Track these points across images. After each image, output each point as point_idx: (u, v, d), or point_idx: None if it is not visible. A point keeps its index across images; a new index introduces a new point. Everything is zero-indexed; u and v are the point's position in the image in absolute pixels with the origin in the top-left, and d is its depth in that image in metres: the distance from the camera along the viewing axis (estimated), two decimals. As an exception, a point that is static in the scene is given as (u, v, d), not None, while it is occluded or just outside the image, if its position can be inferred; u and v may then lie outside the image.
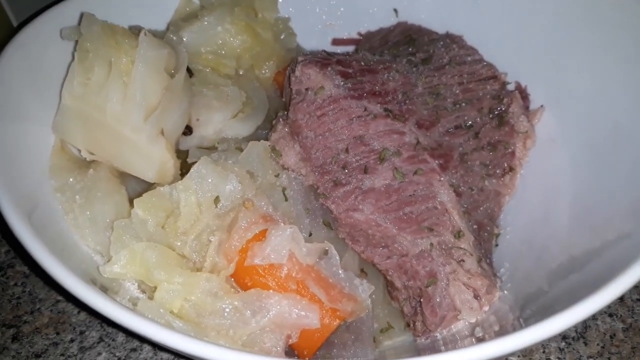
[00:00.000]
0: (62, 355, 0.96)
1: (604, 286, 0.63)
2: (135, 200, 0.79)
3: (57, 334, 0.99)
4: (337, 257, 0.81)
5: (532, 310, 0.78)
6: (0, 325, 1.00)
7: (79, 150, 0.93)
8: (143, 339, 0.98)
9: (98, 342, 0.98)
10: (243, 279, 0.79)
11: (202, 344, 0.59)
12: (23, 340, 0.98)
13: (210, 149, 0.95)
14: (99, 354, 0.96)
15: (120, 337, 0.98)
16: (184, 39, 1.03)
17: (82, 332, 0.99)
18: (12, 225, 0.71)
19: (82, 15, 0.90)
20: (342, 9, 1.24)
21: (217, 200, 0.81)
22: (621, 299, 1.00)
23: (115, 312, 0.63)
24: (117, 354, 0.96)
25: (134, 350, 0.96)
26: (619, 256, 0.69)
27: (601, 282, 0.64)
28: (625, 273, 0.63)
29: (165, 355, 0.95)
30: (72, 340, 0.98)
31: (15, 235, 0.71)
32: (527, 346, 0.61)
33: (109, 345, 0.97)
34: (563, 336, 0.96)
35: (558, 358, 0.93)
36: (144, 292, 0.80)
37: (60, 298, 1.04)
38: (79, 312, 1.02)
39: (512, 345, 0.60)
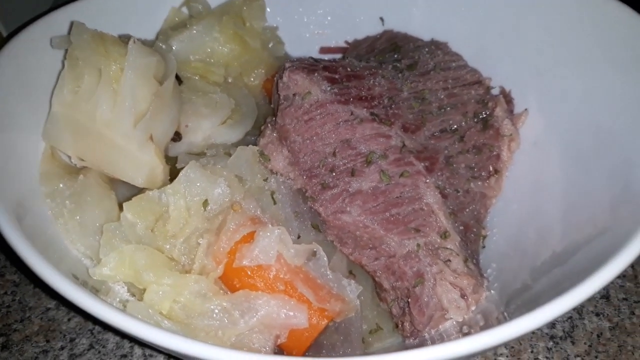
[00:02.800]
0: (53, 362, 0.96)
1: (586, 279, 0.64)
2: (124, 204, 0.80)
3: (47, 341, 0.99)
4: (325, 258, 0.82)
5: (517, 305, 0.79)
6: (-10, 334, 1.01)
7: (69, 157, 0.94)
8: (134, 341, 0.99)
9: (88, 349, 0.98)
10: (232, 280, 0.80)
11: (192, 343, 0.60)
12: (13, 348, 0.98)
13: (200, 155, 0.96)
14: (89, 360, 0.96)
15: (111, 343, 0.98)
16: (173, 48, 1.05)
17: (72, 340, 0.99)
18: (2, 229, 0.72)
19: (72, 24, 0.92)
20: (329, 18, 1.26)
21: (205, 203, 0.82)
22: (607, 298, 1.02)
23: (106, 313, 0.63)
24: (107, 361, 0.96)
25: (124, 356, 0.97)
26: (601, 250, 0.71)
27: (584, 275, 0.65)
28: (607, 266, 0.64)
29: (155, 360, 0.96)
30: (62, 348, 0.98)
31: (6, 239, 0.71)
32: (512, 338, 0.62)
33: (99, 352, 0.97)
34: (551, 336, 0.97)
35: (546, 357, 0.94)
36: (133, 295, 0.80)
37: (50, 306, 1.05)
38: (69, 320, 1.02)
39: (497, 338, 0.61)
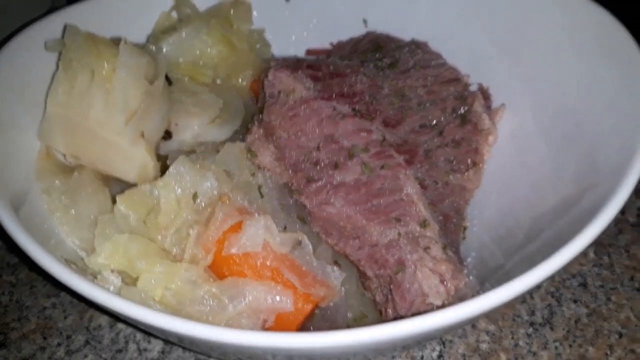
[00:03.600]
0: (50, 358, 0.98)
1: (554, 254, 0.67)
2: (117, 196, 0.83)
3: (44, 339, 1.01)
4: (310, 247, 0.85)
5: (491, 283, 0.83)
6: (-12, 333, 1.03)
7: (64, 156, 0.97)
8: (132, 327, 1.01)
9: (84, 345, 1.00)
10: (221, 268, 0.83)
11: (191, 323, 0.62)
12: (11, 346, 1.01)
13: (189, 152, 1.00)
14: (86, 356, 0.98)
15: (106, 339, 1.01)
16: (163, 50, 1.08)
17: (68, 337, 1.02)
18: (2, 221, 0.75)
19: (65, 27, 0.95)
20: (315, 20, 1.30)
21: (195, 196, 0.85)
22: (585, 285, 1.05)
23: (103, 296, 0.66)
24: (103, 356, 0.98)
25: (119, 351, 0.99)
26: (568, 229, 0.74)
27: (552, 251, 0.69)
28: (572, 243, 0.68)
29: (150, 354, 0.98)
30: (58, 345, 1.00)
31: (6, 230, 0.74)
32: (484, 311, 0.64)
33: (94, 347, 1.00)
34: (530, 322, 1.00)
35: (526, 342, 0.97)
36: (127, 284, 0.83)
37: (47, 305, 1.07)
38: (65, 318, 1.05)
39: (470, 309, 0.63)
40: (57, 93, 0.93)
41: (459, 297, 0.88)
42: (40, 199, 0.90)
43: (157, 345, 1.00)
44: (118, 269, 0.80)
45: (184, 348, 0.98)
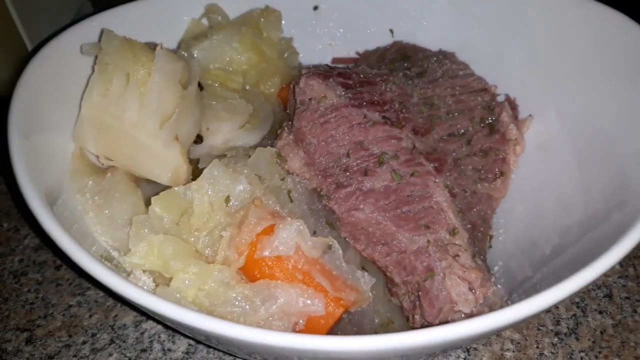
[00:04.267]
0: (75, 356, 0.99)
1: (583, 269, 0.68)
2: (153, 198, 0.84)
3: (70, 336, 1.02)
4: (340, 252, 0.86)
5: (519, 294, 0.83)
6: (15, 329, 1.04)
7: (97, 157, 0.98)
8: (160, 324, 1.02)
9: (109, 344, 1.01)
10: (253, 271, 0.84)
11: (228, 324, 0.63)
12: (36, 342, 1.02)
13: (220, 157, 1.01)
14: (110, 354, 0.99)
15: (131, 338, 1.02)
16: (195, 56, 1.10)
17: (93, 335, 1.03)
18: (39, 219, 0.76)
19: (102, 31, 0.97)
20: (341, 30, 1.31)
21: (227, 199, 0.87)
22: (610, 297, 1.05)
23: (141, 295, 0.67)
24: (127, 355, 0.99)
25: (143, 350, 1.00)
26: (598, 245, 0.74)
27: (581, 266, 0.69)
28: (601, 258, 0.68)
29: (174, 354, 0.99)
30: (84, 343, 1.01)
31: (42, 226, 0.75)
32: (513, 322, 0.65)
33: (119, 346, 1.01)
34: (556, 332, 1.00)
35: (551, 352, 0.98)
36: (158, 285, 0.84)
37: (72, 303, 1.08)
38: (90, 316, 1.06)
39: (498, 320, 0.64)
40: (92, 96, 0.94)
41: (487, 305, 0.88)
42: (74, 199, 0.91)
43: (181, 346, 1.00)
44: (152, 269, 0.81)
45: (209, 347, 0.99)
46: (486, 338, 0.99)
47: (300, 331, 0.80)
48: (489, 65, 1.15)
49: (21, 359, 1.00)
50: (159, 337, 1.02)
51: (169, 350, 1.00)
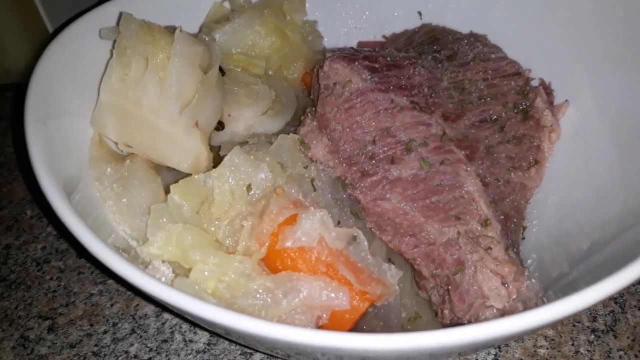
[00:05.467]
0: (96, 345, 0.99)
1: (624, 267, 0.63)
2: (172, 186, 0.82)
3: (91, 325, 1.02)
4: (365, 243, 0.83)
5: (555, 292, 0.79)
6: (37, 317, 1.03)
7: (116, 144, 0.97)
8: (178, 317, 1.00)
9: (130, 334, 1.00)
10: (274, 262, 0.81)
11: (247, 318, 0.61)
12: (58, 331, 1.01)
13: (242, 144, 0.98)
14: (131, 344, 0.98)
15: (152, 328, 1.00)
16: (216, 40, 1.07)
17: (114, 324, 1.02)
18: (55, 207, 0.75)
19: (120, 14, 0.95)
20: (367, 12, 1.27)
21: (249, 187, 0.84)
22: (650, 292, 1.00)
23: (156, 287, 0.65)
24: (148, 345, 0.98)
25: (164, 341, 0.98)
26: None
27: (622, 264, 0.65)
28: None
29: (195, 346, 0.97)
30: (105, 332, 1.01)
31: (59, 216, 0.74)
32: (549, 323, 0.61)
33: (140, 336, 0.99)
34: (592, 329, 0.96)
35: (587, 350, 0.93)
36: (178, 275, 0.82)
37: (94, 292, 1.08)
38: (112, 305, 1.05)
39: (534, 321, 0.60)
40: (110, 80, 0.92)
41: (521, 301, 0.84)
42: (92, 186, 0.90)
43: (202, 337, 0.99)
44: (170, 259, 0.79)
45: (230, 341, 0.97)
46: (520, 337, 0.94)
47: (323, 326, 0.77)
48: (522, 48, 1.10)
49: (43, 347, 0.99)
50: (181, 327, 1.00)
51: (190, 341, 0.98)
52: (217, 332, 0.89)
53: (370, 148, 0.91)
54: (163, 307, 1.03)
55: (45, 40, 0.99)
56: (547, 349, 0.94)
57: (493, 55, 1.05)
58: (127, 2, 1.06)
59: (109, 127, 0.94)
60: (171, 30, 0.94)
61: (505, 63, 1.04)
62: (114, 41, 0.95)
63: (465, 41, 1.07)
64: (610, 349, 0.93)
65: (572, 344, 0.94)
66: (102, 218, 0.87)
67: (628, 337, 0.94)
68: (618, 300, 1.00)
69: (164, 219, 0.80)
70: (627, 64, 0.96)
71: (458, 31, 1.15)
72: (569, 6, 1.06)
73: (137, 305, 1.04)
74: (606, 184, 0.93)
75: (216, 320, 0.62)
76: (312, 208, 0.82)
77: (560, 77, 1.07)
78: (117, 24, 0.98)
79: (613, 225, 0.86)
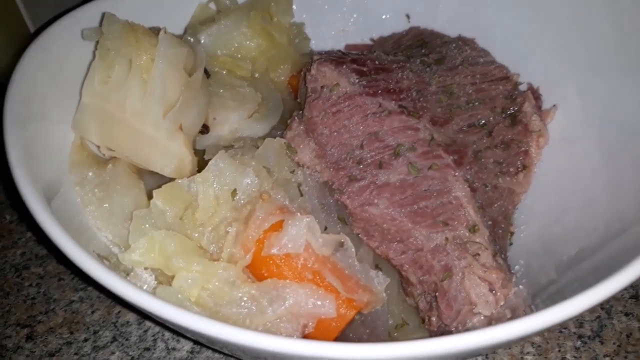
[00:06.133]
0: (76, 354, 0.96)
1: (613, 274, 0.63)
2: (154, 191, 0.80)
3: (71, 333, 1.00)
4: (353, 249, 0.81)
5: (543, 299, 0.79)
6: (15, 325, 1.01)
7: (98, 147, 0.95)
8: (161, 326, 0.99)
9: (111, 342, 0.98)
10: (260, 269, 0.79)
11: (229, 327, 0.60)
12: (37, 339, 0.99)
13: (227, 147, 0.97)
14: (112, 353, 0.96)
15: (134, 336, 0.98)
16: (202, 42, 1.05)
17: (95, 332, 0.99)
18: (33, 213, 0.73)
19: (103, 15, 0.93)
20: (355, 15, 1.26)
21: (234, 193, 0.82)
22: (636, 298, 1.00)
23: (137, 296, 0.63)
24: (130, 353, 0.96)
25: (147, 349, 0.97)
26: (629, 246, 0.70)
27: (611, 271, 0.64)
28: (635, 262, 0.63)
29: (178, 354, 0.96)
30: (85, 340, 0.98)
31: (38, 222, 0.72)
32: (537, 331, 0.61)
33: (122, 344, 0.97)
34: (579, 335, 0.95)
35: (574, 357, 0.93)
36: (161, 283, 0.80)
37: (74, 298, 1.05)
38: (92, 312, 1.03)
39: (522, 329, 0.59)
40: (93, 83, 0.90)
41: (509, 307, 0.83)
42: (73, 191, 0.88)
43: (186, 345, 0.97)
44: (153, 266, 0.77)
45: (214, 350, 0.95)
46: (508, 346, 0.94)
47: (309, 334, 0.76)
48: (511, 52, 1.09)
49: (21, 356, 0.97)
50: (163, 335, 0.99)
51: (173, 349, 0.97)
52: (200, 342, 0.87)
53: (357, 152, 0.90)
54: (146, 315, 1.01)
55: (26, 40, 0.97)
56: (534, 355, 0.93)
57: (481, 59, 1.04)
58: (110, 3, 1.04)
59: (91, 130, 0.92)
60: (155, 31, 0.92)
61: (493, 67, 1.04)
62: (97, 42, 0.93)
63: (454, 45, 1.07)
64: (597, 354, 0.93)
65: (559, 350, 0.94)
66: (83, 224, 0.85)
67: (614, 343, 0.94)
68: (604, 306, 0.99)
69: (147, 225, 0.78)
70: (614, 69, 0.96)
71: (446, 35, 1.15)
72: (557, 11, 1.06)
73: (119, 312, 1.02)
74: (594, 189, 0.93)
75: (199, 329, 0.61)
76: (298, 214, 0.81)
77: (549, 81, 1.07)
78: (100, 24, 0.96)
79: (601, 230, 0.86)
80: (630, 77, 0.93)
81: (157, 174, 0.92)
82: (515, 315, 0.81)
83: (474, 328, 0.83)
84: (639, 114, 0.90)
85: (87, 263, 0.66)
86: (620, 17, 0.96)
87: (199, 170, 0.86)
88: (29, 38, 0.99)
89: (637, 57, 0.93)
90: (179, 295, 0.72)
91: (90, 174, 0.89)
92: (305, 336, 0.77)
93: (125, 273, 0.78)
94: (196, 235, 0.80)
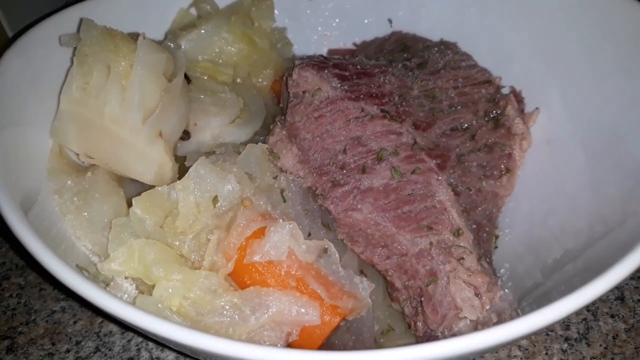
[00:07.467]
0: (58, 366, 0.95)
1: (599, 276, 0.63)
2: (133, 199, 0.79)
3: (53, 344, 0.98)
4: (337, 255, 0.81)
5: (529, 303, 0.78)
6: (-5, 337, 0.99)
7: (77, 155, 0.93)
8: (144, 337, 0.97)
9: (94, 352, 0.96)
10: (242, 277, 0.78)
11: (209, 337, 0.58)
12: (18, 351, 0.97)
13: (209, 154, 0.95)
14: (95, 363, 0.95)
15: (117, 346, 0.97)
16: (182, 47, 1.05)
17: (78, 342, 0.98)
18: (10, 223, 0.71)
19: (81, 20, 0.91)
20: (337, 20, 1.26)
21: (215, 200, 0.81)
22: (622, 299, 1.00)
23: (116, 307, 0.62)
24: (113, 364, 0.94)
25: (130, 359, 0.95)
26: (614, 248, 0.70)
27: (596, 273, 0.64)
28: (619, 264, 0.63)
29: (162, 363, 0.94)
30: (68, 351, 0.97)
31: (14, 233, 0.70)
32: (524, 335, 0.60)
33: (105, 355, 0.96)
34: (565, 337, 0.95)
35: (561, 359, 0.92)
36: (141, 292, 0.79)
37: (56, 309, 1.03)
38: (74, 323, 1.01)
39: (509, 334, 0.59)
40: (71, 89, 0.89)
41: (494, 311, 0.83)
42: (52, 200, 0.86)
43: (170, 355, 0.95)
44: (133, 276, 0.76)
45: (198, 360, 0.94)
46: (494, 350, 0.93)
47: (293, 342, 0.75)
48: (493, 56, 1.10)
49: (1, 369, 0.95)
50: (147, 344, 0.97)
51: (157, 358, 0.95)
52: (183, 352, 0.86)
53: (340, 157, 0.90)
54: (127, 326, 0.99)
55: (3, 45, 0.95)
56: (521, 358, 0.93)
57: (463, 63, 1.04)
58: (88, 8, 1.03)
59: (69, 137, 0.91)
60: (134, 37, 0.91)
61: (475, 71, 1.04)
62: (75, 48, 0.92)
63: (436, 49, 1.07)
64: (584, 356, 0.93)
65: (546, 353, 0.93)
66: (62, 233, 0.83)
67: (601, 345, 0.94)
68: (590, 308, 0.99)
69: (126, 234, 0.77)
70: (597, 72, 0.97)
71: (428, 39, 1.15)
72: (539, 14, 1.06)
73: (102, 322, 1.01)
74: (577, 191, 0.93)
75: (180, 340, 0.60)
76: (281, 220, 0.80)
77: (531, 85, 1.07)
78: (78, 30, 0.95)
79: (585, 233, 0.86)
80: (612, 79, 0.94)
81: (137, 181, 0.91)
82: (501, 319, 0.81)
83: (460, 333, 0.82)
84: (621, 116, 0.90)
85: (65, 274, 0.65)
86: (602, 21, 0.96)
87: (181, 177, 0.85)
88: (7, 43, 0.97)
89: (618, 59, 0.93)
90: (160, 305, 0.71)
91: (69, 182, 0.87)
92: (290, 344, 0.76)
93: (105, 283, 0.77)
94: (177, 243, 0.79)
